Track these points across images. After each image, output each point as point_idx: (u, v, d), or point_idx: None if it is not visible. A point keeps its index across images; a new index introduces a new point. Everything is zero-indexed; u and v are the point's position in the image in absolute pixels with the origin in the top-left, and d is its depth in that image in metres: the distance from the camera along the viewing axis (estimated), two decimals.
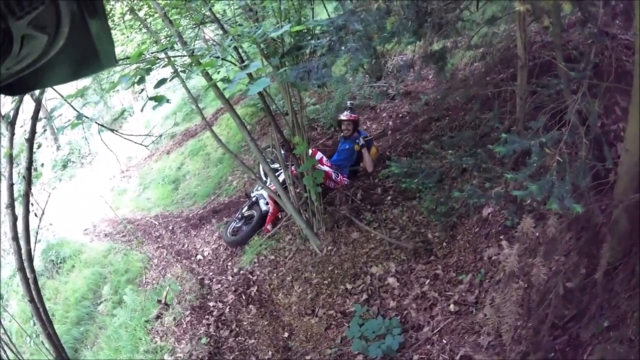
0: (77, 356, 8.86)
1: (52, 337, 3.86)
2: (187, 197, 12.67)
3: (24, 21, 0.78)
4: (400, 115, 9.77)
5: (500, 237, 5.43)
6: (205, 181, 12.73)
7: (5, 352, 4.77)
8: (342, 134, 8.53)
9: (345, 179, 8.19)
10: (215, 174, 12.62)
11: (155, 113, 17.98)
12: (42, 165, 18.73)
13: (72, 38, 0.87)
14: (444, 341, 5.06)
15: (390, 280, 6.13)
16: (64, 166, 20.77)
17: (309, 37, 5.95)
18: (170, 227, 11.27)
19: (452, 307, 5.33)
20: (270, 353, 6.27)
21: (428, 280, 5.84)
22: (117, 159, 9.46)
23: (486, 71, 6.13)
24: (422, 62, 5.91)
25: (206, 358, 6.49)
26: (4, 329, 5.13)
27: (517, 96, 4.78)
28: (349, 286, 6.46)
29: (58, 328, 9.20)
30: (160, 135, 14.97)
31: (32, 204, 4.11)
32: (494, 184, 4.64)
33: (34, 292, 3.81)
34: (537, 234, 3.43)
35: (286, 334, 6.52)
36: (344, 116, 8.34)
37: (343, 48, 5.41)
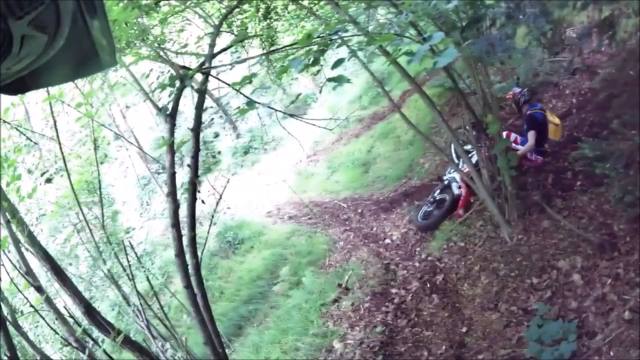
0: (240, 333, 9.51)
1: (206, 322, 4.18)
2: (378, 180, 12.98)
3: (24, 21, 0.80)
4: (582, 91, 9.24)
5: None
6: (396, 164, 12.93)
7: (152, 327, 5.32)
8: None
9: (539, 157, 7.92)
10: (406, 157, 12.78)
11: (339, 97, 18.60)
12: (219, 152, 20.04)
13: (72, 38, 0.91)
14: (612, 353, 4.85)
15: (575, 277, 5.90)
16: (245, 153, 22.08)
17: (483, 9, 5.83)
18: (360, 210, 11.63)
19: (626, 314, 5.05)
20: (444, 348, 6.32)
21: (610, 280, 5.55)
22: (300, 144, 9.88)
23: None
24: (598, 32, 5.55)
25: (377, 347, 6.67)
26: (160, 304, 5.63)
27: None
28: (535, 280, 6.33)
29: (225, 305, 10.06)
30: (346, 119, 15.33)
31: (199, 191, 4.41)
32: None
33: (193, 277, 4.15)
34: None
35: (464, 329, 6.53)
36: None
37: (522, 17, 5.28)
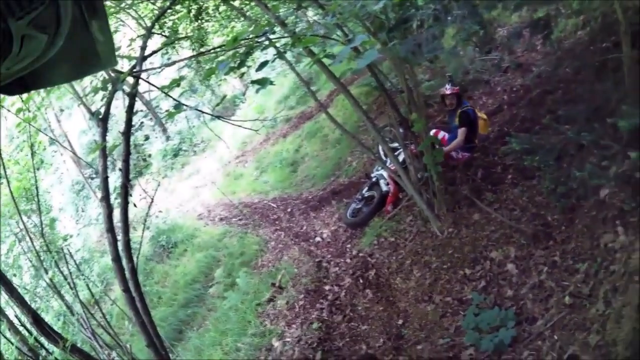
0: (181, 337, 9.43)
1: (146, 325, 4.14)
2: (306, 179, 13.04)
3: (24, 21, 0.79)
4: (514, 88, 9.46)
5: (617, 222, 5.09)
6: (324, 162, 13.01)
7: (97, 336, 5.23)
8: (446, 108, 8.24)
9: (466, 154, 8.03)
10: (334, 155, 12.86)
11: (267, 98, 18.57)
12: (150, 155, 19.94)
13: (72, 38, 0.89)
14: (555, 337, 4.90)
15: (509, 266, 6.01)
16: (175, 155, 22.15)
17: (412, 9, 5.93)
18: (289, 210, 11.67)
19: (567, 299, 5.11)
20: (381, 340, 6.34)
21: (546, 268, 5.64)
22: (227, 145, 9.86)
23: (590, 39, 5.85)
24: (531, 32, 5.74)
25: (315, 344, 6.65)
26: (102, 312, 5.54)
27: (624, 65, 4.52)
28: (467, 271, 6.41)
29: (164, 310, 9.95)
30: (273, 119, 15.40)
31: (131, 195, 4.37)
32: (612, 162, 4.46)
33: (130, 281, 4.10)
34: None
35: (400, 321, 6.57)
36: (446, 90, 7.98)
37: (449, 18, 5.39)
